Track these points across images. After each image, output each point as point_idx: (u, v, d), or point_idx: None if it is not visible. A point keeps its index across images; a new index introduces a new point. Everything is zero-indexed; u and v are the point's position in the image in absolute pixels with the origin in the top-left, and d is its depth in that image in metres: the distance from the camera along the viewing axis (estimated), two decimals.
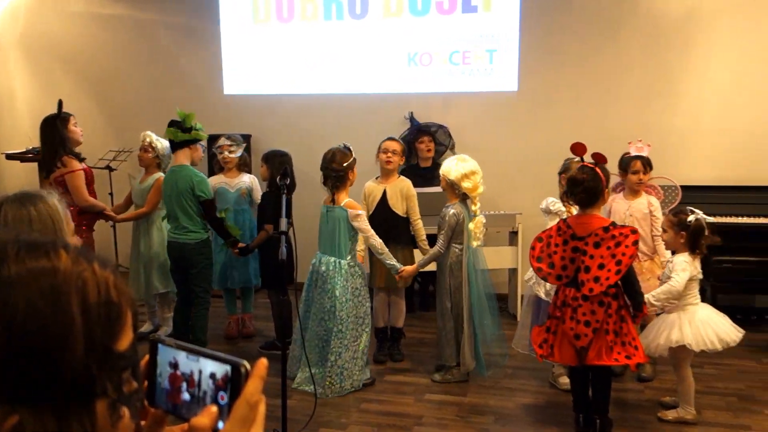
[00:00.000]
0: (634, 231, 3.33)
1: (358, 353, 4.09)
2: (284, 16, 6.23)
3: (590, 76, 5.57)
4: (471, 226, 4.09)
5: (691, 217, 3.50)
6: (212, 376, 0.84)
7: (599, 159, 3.52)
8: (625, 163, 4.29)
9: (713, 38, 5.32)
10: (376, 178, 4.62)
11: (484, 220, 4.17)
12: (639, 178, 4.22)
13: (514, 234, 5.41)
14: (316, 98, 6.25)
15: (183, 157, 4.34)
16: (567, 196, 3.58)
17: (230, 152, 4.94)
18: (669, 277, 3.55)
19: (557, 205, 3.99)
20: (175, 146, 4.33)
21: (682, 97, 5.43)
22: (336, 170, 4.03)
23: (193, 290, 4.36)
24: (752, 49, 5.24)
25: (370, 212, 4.47)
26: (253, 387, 0.81)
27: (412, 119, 5.84)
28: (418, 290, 5.86)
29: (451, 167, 4.08)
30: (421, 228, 4.54)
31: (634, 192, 4.31)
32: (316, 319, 4.09)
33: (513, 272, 5.47)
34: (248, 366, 0.83)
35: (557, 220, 3.85)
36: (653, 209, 4.25)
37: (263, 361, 0.82)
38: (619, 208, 4.29)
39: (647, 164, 4.23)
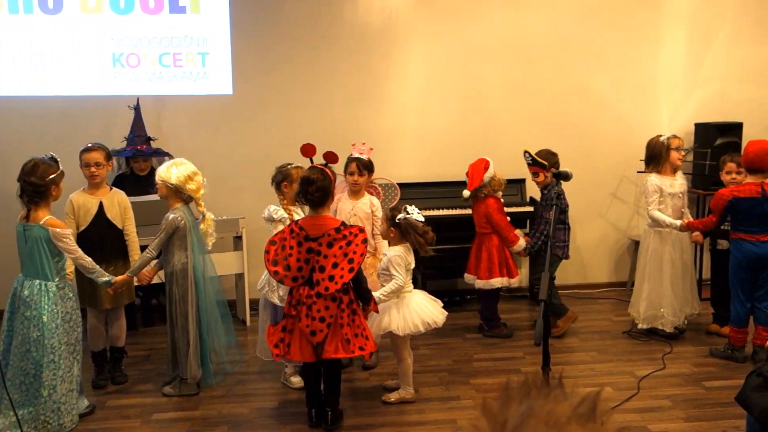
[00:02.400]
0: (362, 230, 3.52)
1: (74, 384, 3.70)
2: None
3: (303, 80, 5.75)
4: (202, 227, 4.02)
5: (400, 216, 3.81)
6: None
7: (331, 158, 3.65)
8: (345, 165, 4.49)
9: (408, 47, 5.83)
10: (83, 190, 4.23)
11: (213, 217, 4.10)
12: (354, 180, 4.44)
13: (238, 239, 5.37)
14: (7, 101, 5.54)
15: None
16: (300, 197, 3.59)
17: None
18: (385, 270, 3.82)
19: (280, 212, 4.04)
20: None
21: (387, 102, 5.87)
22: (35, 184, 3.55)
23: None
24: (440, 57, 5.85)
25: (84, 226, 4.11)
26: None
27: (137, 108, 5.42)
28: (140, 305, 5.52)
29: (172, 172, 3.93)
30: (136, 240, 4.28)
31: (355, 192, 4.53)
32: (20, 352, 3.56)
33: (240, 277, 5.42)
34: None
35: (281, 227, 3.90)
36: (374, 209, 4.50)
37: None
38: (344, 207, 4.48)
39: (365, 166, 4.44)
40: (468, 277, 5.06)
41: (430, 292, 4.09)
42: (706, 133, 5.71)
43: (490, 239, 4.93)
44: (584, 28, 5.87)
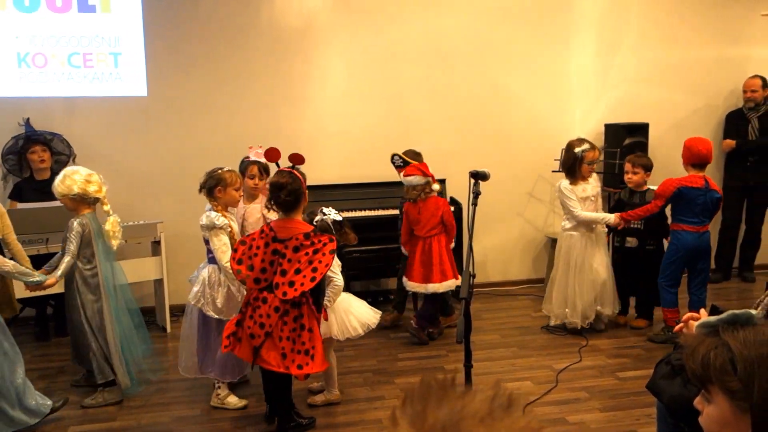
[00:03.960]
0: (332, 239, 3.37)
1: None
2: None
3: (219, 82, 5.64)
4: (108, 226, 3.87)
5: (317, 218, 3.78)
6: None
7: (297, 160, 3.56)
8: (242, 167, 4.25)
9: (328, 49, 5.82)
10: None
11: (119, 219, 3.96)
12: (255, 183, 4.23)
13: (156, 244, 5.21)
14: None
15: None
16: (271, 203, 3.46)
17: None
18: None
19: (221, 219, 3.79)
20: None
21: (307, 103, 5.83)
22: None
23: None
24: (359, 59, 5.87)
25: None
26: None
27: (27, 125, 5.22)
28: (52, 315, 5.27)
29: (68, 183, 3.77)
30: (20, 248, 4.00)
31: (254, 196, 4.29)
32: None
33: (159, 283, 5.26)
34: None
35: (223, 234, 3.77)
36: (265, 212, 4.35)
37: None
38: (253, 213, 4.29)
39: (264, 170, 4.24)
40: (413, 285, 4.81)
41: (356, 294, 4.09)
42: (615, 133, 5.97)
43: (439, 241, 4.77)
44: (499, 31, 6.02)
